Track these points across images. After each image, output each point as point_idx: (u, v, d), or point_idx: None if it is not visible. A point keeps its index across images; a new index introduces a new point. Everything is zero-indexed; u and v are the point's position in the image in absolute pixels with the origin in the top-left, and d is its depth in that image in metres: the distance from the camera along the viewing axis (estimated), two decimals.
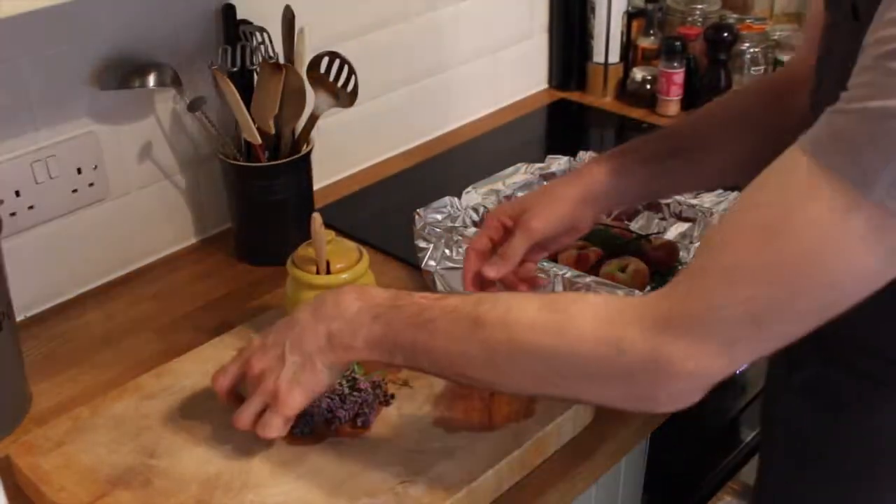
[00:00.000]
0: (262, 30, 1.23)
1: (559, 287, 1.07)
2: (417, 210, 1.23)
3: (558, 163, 1.35)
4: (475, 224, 1.25)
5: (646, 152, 0.99)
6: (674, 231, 1.24)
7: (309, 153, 1.26)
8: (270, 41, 1.23)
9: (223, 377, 0.89)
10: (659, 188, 1.04)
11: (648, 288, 1.12)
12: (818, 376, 0.89)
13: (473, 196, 1.28)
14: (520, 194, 1.30)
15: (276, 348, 0.85)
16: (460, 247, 1.15)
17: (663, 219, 1.26)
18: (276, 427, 0.85)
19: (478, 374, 0.77)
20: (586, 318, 0.72)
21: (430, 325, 0.78)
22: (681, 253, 1.19)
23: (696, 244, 1.21)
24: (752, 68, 1.68)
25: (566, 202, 0.97)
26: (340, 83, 1.22)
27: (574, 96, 1.81)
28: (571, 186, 0.99)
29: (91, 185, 1.19)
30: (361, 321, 0.81)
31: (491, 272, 0.96)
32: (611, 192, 0.98)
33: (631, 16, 1.77)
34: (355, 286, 0.87)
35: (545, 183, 1.05)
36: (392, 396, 0.97)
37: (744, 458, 1.37)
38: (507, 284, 0.99)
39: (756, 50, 1.67)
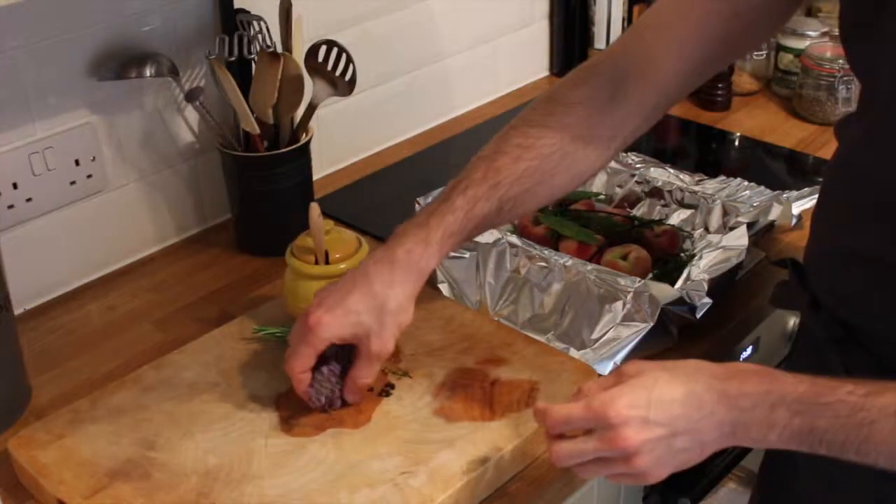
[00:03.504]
0: (259, 19, 1.22)
1: (560, 275, 1.06)
2: (417, 199, 1.22)
3: None
4: None
5: (461, 234, 0.91)
6: (676, 218, 1.23)
7: (308, 143, 1.26)
8: (268, 30, 1.22)
9: (572, 412, 0.78)
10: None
11: (650, 275, 1.11)
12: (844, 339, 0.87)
13: None
14: None
15: (661, 429, 0.74)
16: None
17: (665, 206, 1.26)
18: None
19: None
20: None
21: (868, 427, 0.71)
22: (682, 240, 1.19)
23: (698, 231, 1.21)
24: (755, 53, 1.67)
25: (406, 313, 0.89)
26: (338, 72, 1.21)
27: None
28: (404, 291, 0.89)
29: (89, 176, 1.19)
30: (778, 417, 0.73)
31: (350, 399, 0.92)
32: (433, 268, 0.91)
33: (632, 1, 1.76)
34: (756, 366, 0.77)
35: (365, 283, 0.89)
36: (392, 387, 0.96)
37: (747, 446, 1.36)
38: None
39: None
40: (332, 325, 0.87)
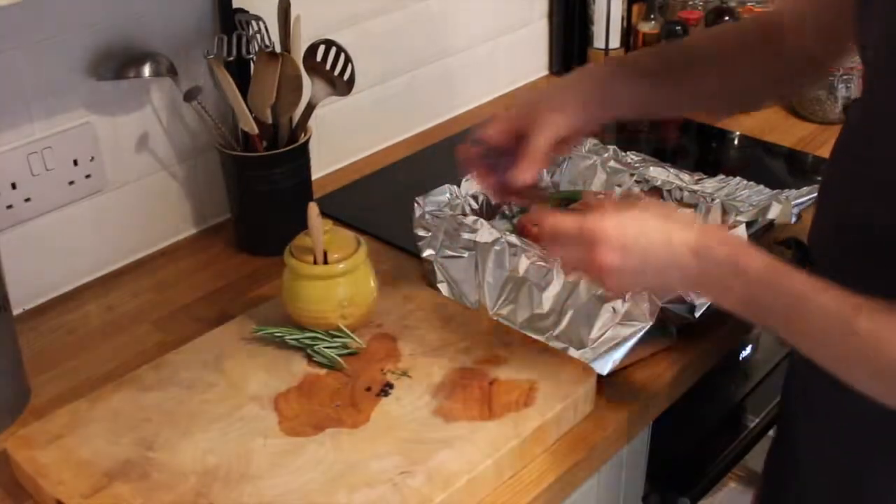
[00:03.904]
0: (257, 18, 1.22)
1: (559, 274, 1.06)
2: (417, 198, 1.22)
3: None
4: (475, 212, 1.24)
5: (643, 65, 1.01)
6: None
7: (307, 142, 1.26)
8: (266, 30, 1.22)
9: (558, 223, 0.87)
10: (652, 102, 1.01)
11: None
12: None
13: (473, 184, 1.27)
14: None
15: (635, 260, 0.82)
16: (460, 235, 1.15)
17: None
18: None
19: (842, 374, 0.78)
20: None
21: (803, 319, 0.77)
22: None
23: None
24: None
25: (578, 99, 0.96)
26: (337, 71, 1.21)
27: None
28: (579, 85, 0.98)
29: (88, 176, 1.19)
30: (734, 285, 0.80)
31: (526, 176, 0.93)
32: (610, 98, 0.97)
33: (631, 0, 1.76)
34: (732, 236, 0.87)
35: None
36: (391, 387, 0.96)
37: (748, 444, 1.36)
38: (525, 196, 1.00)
39: None
40: (504, 114, 0.97)
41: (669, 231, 0.82)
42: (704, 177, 1.29)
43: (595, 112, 0.97)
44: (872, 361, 0.75)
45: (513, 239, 1.12)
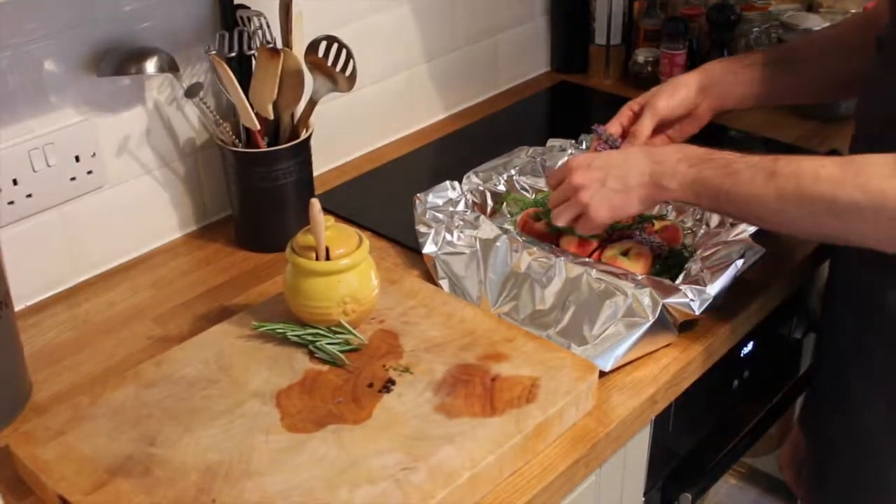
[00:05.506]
0: (259, 14, 1.22)
1: (560, 271, 1.06)
2: (418, 195, 1.22)
3: (560, 146, 1.34)
4: (476, 209, 1.24)
5: (753, 59, 1.18)
6: (675, 214, 1.23)
7: (308, 138, 1.26)
8: (268, 26, 1.22)
9: (551, 178, 1.12)
10: (762, 92, 1.18)
11: (651, 271, 1.11)
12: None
13: (474, 180, 1.27)
14: (521, 178, 1.29)
15: (599, 172, 1.03)
16: (461, 231, 1.15)
17: (665, 202, 1.25)
18: (586, 230, 1.08)
19: (768, 216, 0.96)
20: (872, 173, 0.87)
21: (735, 175, 0.95)
22: (682, 235, 1.19)
23: (699, 227, 1.20)
24: (756, 49, 1.66)
25: (687, 87, 1.16)
26: (339, 67, 1.21)
27: (576, 79, 1.80)
28: (691, 76, 1.17)
29: (89, 172, 1.19)
30: (679, 168, 0.99)
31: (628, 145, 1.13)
32: (721, 87, 1.16)
33: None
34: (680, 145, 1.04)
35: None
36: (393, 383, 0.96)
37: (748, 441, 1.36)
38: None
39: (759, 30, 1.66)
40: (624, 107, 1.20)
41: (626, 151, 1.06)
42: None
43: (702, 101, 1.16)
44: (794, 191, 0.91)
45: (514, 235, 1.12)
